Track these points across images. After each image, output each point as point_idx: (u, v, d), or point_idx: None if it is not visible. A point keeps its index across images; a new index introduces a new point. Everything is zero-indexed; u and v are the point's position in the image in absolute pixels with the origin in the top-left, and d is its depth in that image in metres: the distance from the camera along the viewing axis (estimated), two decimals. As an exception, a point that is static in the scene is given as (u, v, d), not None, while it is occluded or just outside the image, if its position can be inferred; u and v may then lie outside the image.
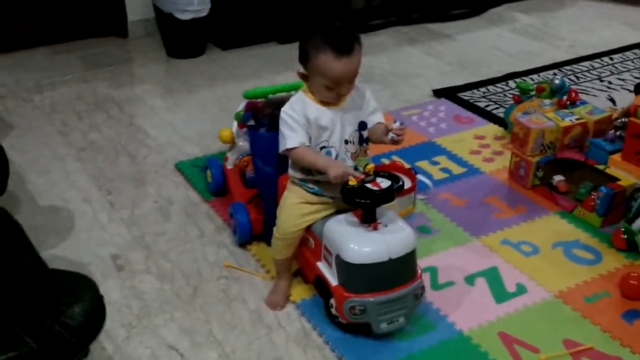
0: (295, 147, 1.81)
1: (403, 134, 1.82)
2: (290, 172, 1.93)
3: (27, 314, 1.19)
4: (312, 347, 1.89)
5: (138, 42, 4.14)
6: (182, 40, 3.88)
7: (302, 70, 1.83)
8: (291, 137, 1.81)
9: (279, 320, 1.98)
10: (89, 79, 3.65)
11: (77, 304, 1.21)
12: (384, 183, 1.78)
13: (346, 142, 1.87)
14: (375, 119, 1.92)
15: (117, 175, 2.74)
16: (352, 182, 1.75)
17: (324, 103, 1.83)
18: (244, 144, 2.40)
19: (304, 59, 1.80)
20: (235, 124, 2.41)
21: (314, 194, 1.90)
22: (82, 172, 2.77)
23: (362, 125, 1.90)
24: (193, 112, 3.28)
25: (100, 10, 4.13)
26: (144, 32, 4.19)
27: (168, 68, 3.83)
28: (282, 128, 1.84)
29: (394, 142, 1.83)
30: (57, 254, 2.29)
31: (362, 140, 1.91)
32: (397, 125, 1.81)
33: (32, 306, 1.21)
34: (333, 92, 1.79)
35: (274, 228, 1.98)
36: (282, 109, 1.85)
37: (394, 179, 1.81)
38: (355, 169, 1.86)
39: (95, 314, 1.26)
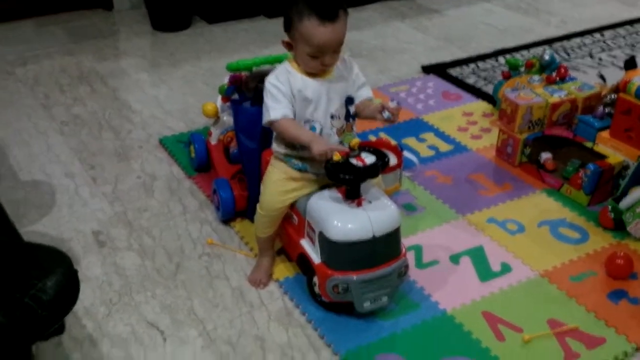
0: (279, 119, 1.77)
1: (398, 113, 1.79)
2: (274, 146, 1.90)
3: (-4, 287, 1.17)
4: (294, 325, 1.87)
5: (123, 15, 4.07)
6: (167, 13, 3.81)
7: (287, 39, 1.79)
8: (275, 108, 1.77)
9: (261, 299, 1.96)
10: (74, 51, 3.59)
11: (49, 278, 1.18)
12: (369, 159, 1.75)
13: (332, 116, 1.83)
14: (363, 93, 1.88)
15: (100, 150, 2.70)
16: (337, 157, 1.72)
17: (310, 74, 1.79)
18: (228, 118, 2.37)
19: (288, 26, 1.76)
20: (219, 97, 2.36)
21: (298, 170, 1.87)
22: (65, 146, 2.72)
23: (349, 100, 1.86)
24: (178, 86, 3.23)
25: (85, -18, 4.06)
26: (130, 5, 4.12)
27: (153, 41, 3.76)
28: (266, 99, 1.80)
29: (389, 120, 1.79)
30: (38, 229, 2.26)
31: (349, 116, 1.87)
32: (394, 104, 1.78)
33: (2, 279, 1.18)
34: (317, 60, 1.74)
35: (257, 205, 1.95)
36: (267, 78, 1.81)
37: (379, 154, 1.77)
38: (341, 144, 1.82)
39: (67, 287, 1.23)
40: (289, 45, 1.79)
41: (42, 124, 2.89)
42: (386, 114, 1.78)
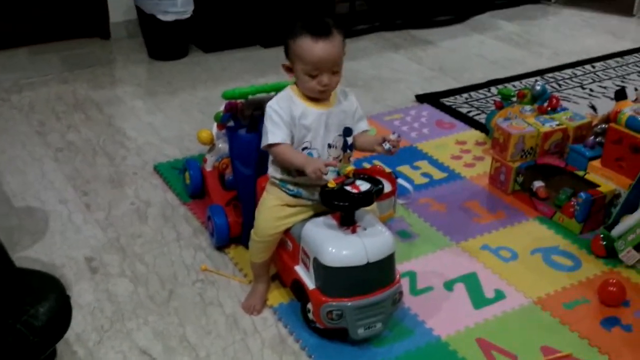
0: (277, 144, 1.79)
1: (398, 145, 1.82)
2: (270, 171, 1.91)
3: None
4: (288, 352, 1.85)
5: (120, 44, 4.10)
6: (164, 42, 3.85)
7: (287, 63, 1.83)
8: (274, 132, 1.79)
9: (255, 325, 1.95)
10: (69, 79, 3.61)
11: (42, 304, 1.18)
12: (364, 186, 1.76)
13: (329, 145, 1.85)
14: (361, 126, 1.92)
15: (94, 177, 2.70)
16: (331, 184, 1.73)
17: (311, 101, 1.81)
18: (223, 145, 2.38)
19: (287, 50, 1.81)
20: (214, 125, 2.38)
21: (293, 195, 1.88)
22: (59, 173, 2.72)
23: (347, 131, 1.88)
24: (174, 114, 3.25)
25: (83, 11, 4.09)
26: (126, 34, 4.15)
27: (149, 70, 3.79)
28: (267, 123, 1.82)
29: (389, 152, 1.82)
30: (31, 255, 2.25)
31: (347, 147, 1.89)
32: (394, 136, 1.81)
33: (-6, 304, 1.17)
34: (315, 80, 1.76)
35: (252, 230, 1.95)
36: (269, 103, 1.84)
37: (374, 182, 1.79)
38: (337, 174, 1.83)
39: (60, 314, 1.22)
40: (289, 69, 1.82)
41: (36, 150, 2.89)
42: (387, 146, 1.81)
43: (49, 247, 2.28)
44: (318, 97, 1.81)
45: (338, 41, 1.76)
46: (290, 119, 1.79)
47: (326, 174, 1.71)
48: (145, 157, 2.84)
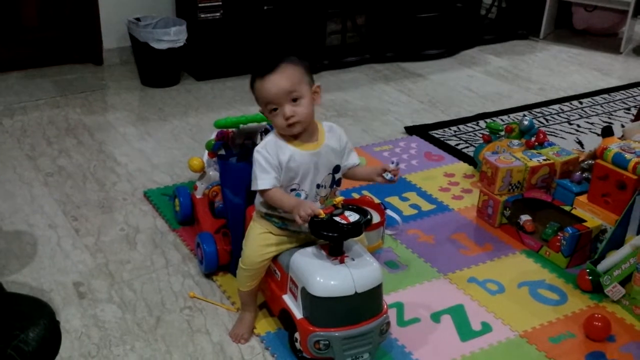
0: (266, 189, 1.82)
1: (398, 173, 1.88)
2: (256, 205, 1.93)
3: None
4: (274, 381, 1.86)
5: (113, 70, 4.13)
6: (157, 70, 3.88)
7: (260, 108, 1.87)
8: (263, 178, 1.81)
9: (242, 354, 1.95)
10: (62, 104, 3.63)
11: (32, 329, 1.18)
12: (352, 217, 1.78)
13: (318, 186, 1.87)
14: (352, 160, 1.94)
15: (84, 202, 2.70)
16: (321, 214, 1.75)
17: (297, 142, 1.83)
18: (214, 173, 2.39)
19: (254, 96, 1.87)
20: (206, 153, 2.40)
21: (279, 227, 1.90)
22: (49, 198, 2.73)
23: (336, 169, 1.90)
24: (165, 140, 3.27)
25: (76, 37, 4.12)
26: (119, 60, 4.18)
27: (142, 96, 3.82)
28: (255, 168, 1.84)
29: (391, 181, 1.86)
30: (19, 279, 2.24)
31: (334, 183, 1.91)
32: (394, 165, 1.86)
33: (-17, 330, 1.17)
34: (279, 115, 1.79)
35: (240, 259, 1.96)
36: (256, 148, 1.85)
37: (363, 212, 1.81)
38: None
39: (50, 339, 1.22)
40: (263, 112, 1.88)
41: (27, 174, 2.90)
42: (389, 176, 1.85)
43: (37, 272, 2.28)
44: (294, 134, 1.82)
45: (289, 71, 1.79)
46: (278, 164, 1.81)
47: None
48: (135, 183, 2.85)
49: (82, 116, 3.49)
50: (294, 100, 1.79)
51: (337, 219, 1.76)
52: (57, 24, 4.07)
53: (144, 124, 3.44)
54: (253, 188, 1.85)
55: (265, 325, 2.04)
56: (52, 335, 1.24)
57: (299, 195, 1.85)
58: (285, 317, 1.93)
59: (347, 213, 1.78)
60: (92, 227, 2.54)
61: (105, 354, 1.94)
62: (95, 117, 3.48)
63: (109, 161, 3.04)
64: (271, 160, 1.81)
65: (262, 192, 1.83)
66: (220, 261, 2.22)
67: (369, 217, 1.80)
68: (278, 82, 1.78)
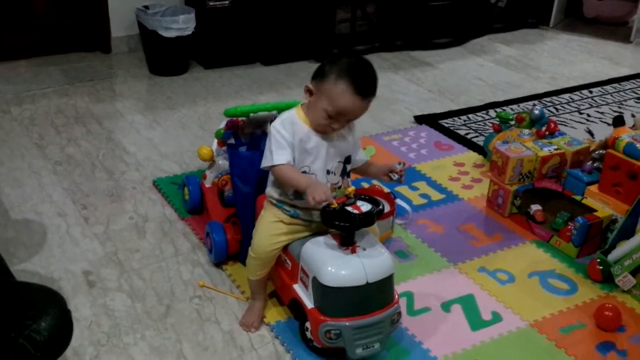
0: (280, 164, 1.80)
1: (404, 175, 1.89)
2: (268, 190, 1.92)
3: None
4: (284, 370, 1.86)
5: (121, 58, 4.12)
6: (165, 58, 3.87)
7: (311, 86, 1.80)
8: (278, 154, 1.80)
9: (252, 343, 1.95)
10: (70, 92, 3.62)
11: (43, 318, 1.17)
12: (365, 206, 1.77)
13: (328, 172, 1.86)
14: (360, 157, 1.95)
15: (93, 191, 2.70)
16: (333, 204, 1.74)
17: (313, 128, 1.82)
18: (223, 162, 2.39)
19: (320, 76, 1.78)
20: (215, 141, 2.39)
21: (290, 216, 1.89)
22: (57, 186, 2.73)
23: (347, 159, 1.90)
24: (173, 129, 3.26)
25: (85, 25, 4.12)
26: (127, 48, 4.17)
27: (150, 85, 3.81)
28: (270, 143, 1.82)
29: (398, 182, 1.90)
30: (28, 268, 2.24)
31: (344, 173, 1.91)
32: (400, 166, 1.87)
33: (-5, 318, 1.17)
34: (329, 121, 1.78)
35: (250, 248, 1.96)
36: (272, 124, 1.84)
37: (375, 202, 1.80)
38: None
39: (61, 329, 1.22)
40: (309, 92, 1.81)
41: (35, 163, 2.90)
42: (395, 177, 1.88)
43: (47, 260, 2.28)
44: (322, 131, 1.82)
45: (370, 101, 1.79)
46: (294, 141, 1.80)
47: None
48: (144, 172, 2.85)
49: (91, 105, 3.49)
50: (349, 120, 1.81)
51: (349, 208, 1.75)
52: (66, 12, 4.06)
53: (152, 113, 3.43)
54: (266, 164, 1.82)
55: (275, 314, 2.04)
56: (64, 324, 1.24)
57: None
58: (295, 306, 1.92)
59: (359, 203, 1.77)
60: (101, 216, 2.54)
61: (115, 343, 1.94)
62: (104, 106, 3.48)
63: (117, 150, 3.04)
64: (287, 137, 1.79)
65: (276, 168, 1.80)
66: (229, 250, 2.22)
67: (381, 207, 1.80)
68: (361, 109, 1.79)
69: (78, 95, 3.59)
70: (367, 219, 1.75)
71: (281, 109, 2.06)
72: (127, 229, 2.47)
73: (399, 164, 1.88)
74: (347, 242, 1.80)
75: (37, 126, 3.23)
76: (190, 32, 3.80)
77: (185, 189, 2.51)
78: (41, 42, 4.04)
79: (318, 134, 1.82)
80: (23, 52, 3.99)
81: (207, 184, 2.43)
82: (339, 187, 1.89)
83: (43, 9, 3.99)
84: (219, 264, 2.26)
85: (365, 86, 1.76)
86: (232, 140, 2.24)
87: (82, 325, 1.99)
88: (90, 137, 3.14)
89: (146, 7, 3.84)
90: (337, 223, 1.73)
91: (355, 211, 1.74)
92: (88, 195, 2.67)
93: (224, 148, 2.32)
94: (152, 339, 1.96)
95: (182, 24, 3.74)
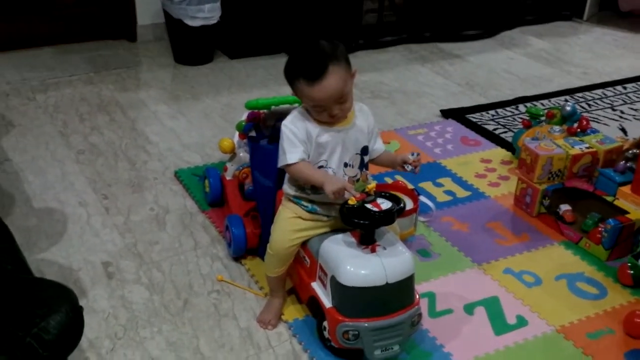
0: (295, 163, 1.76)
1: (419, 162, 1.83)
2: (285, 187, 1.88)
3: (-2, 324, 1.13)
4: (301, 370, 1.82)
5: (146, 47, 4.11)
6: (190, 47, 3.84)
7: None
8: (291, 152, 1.76)
9: (269, 340, 1.92)
10: (95, 80, 3.61)
11: (52, 316, 1.14)
12: (385, 204, 1.72)
13: (345, 165, 1.81)
14: (378, 147, 1.90)
15: (115, 180, 2.69)
16: (352, 201, 1.69)
17: (324, 122, 1.78)
18: (244, 155, 2.35)
19: (291, 86, 1.77)
20: (236, 134, 2.36)
21: (309, 211, 1.85)
22: (80, 175, 2.72)
23: (364, 150, 1.85)
24: (196, 119, 3.23)
25: (111, 13, 4.11)
26: (153, 37, 4.16)
27: (174, 74, 3.79)
28: (282, 142, 1.79)
29: (413, 172, 1.84)
30: (48, 257, 2.23)
31: (363, 165, 1.86)
32: (414, 157, 1.81)
33: (5, 315, 1.14)
34: (324, 112, 1.74)
35: (268, 244, 1.92)
36: (283, 122, 1.80)
37: (395, 200, 1.75)
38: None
39: (71, 327, 1.19)
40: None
41: (59, 151, 2.89)
42: (409, 168, 1.82)
43: (66, 250, 2.27)
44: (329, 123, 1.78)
45: (336, 74, 1.69)
46: (306, 137, 1.76)
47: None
48: (166, 163, 2.83)
49: (115, 93, 3.47)
50: (341, 101, 1.73)
51: (369, 206, 1.70)
52: (92, 0, 4.05)
53: (176, 102, 3.41)
54: (281, 164, 1.79)
55: (293, 312, 2.00)
56: (74, 322, 1.21)
57: None
58: (313, 304, 1.89)
59: (379, 200, 1.72)
60: (122, 206, 2.52)
61: (132, 336, 1.92)
62: (128, 95, 3.46)
63: (140, 139, 3.02)
64: (299, 134, 1.76)
65: (290, 167, 1.77)
66: (248, 244, 2.19)
67: (401, 205, 1.74)
68: (327, 90, 1.69)
69: (103, 83, 3.58)
70: (387, 217, 1.69)
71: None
72: (147, 220, 2.45)
73: (412, 154, 1.82)
74: (366, 241, 1.75)
75: (61, 114, 3.23)
76: (215, 22, 3.77)
77: (206, 181, 2.48)
78: (67, 29, 4.04)
79: (330, 127, 1.77)
80: (49, 39, 3.99)
81: (228, 176, 2.40)
82: (357, 180, 1.84)
83: (70, -4, 4.00)
84: (237, 258, 2.23)
85: (311, 71, 1.68)
86: (253, 133, 2.20)
87: (100, 317, 1.98)
88: (113, 126, 3.13)
89: (172, -5, 3.82)
90: (356, 221, 1.68)
91: (375, 209, 1.69)
92: (110, 185, 2.66)
93: (245, 140, 2.28)
94: (168, 333, 1.94)
95: (207, 13, 3.70)
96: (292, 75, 1.74)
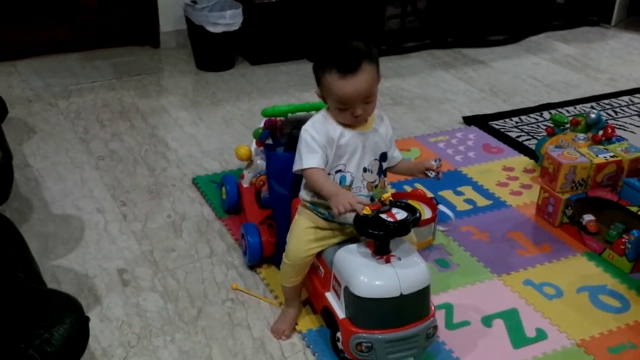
0: (310, 168, 1.74)
1: (441, 168, 1.81)
2: (302, 194, 1.86)
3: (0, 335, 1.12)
4: (314, 381, 1.79)
5: (169, 53, 4.12)
6: (212, 53, 3.85)
7: (318, 91, 1.78)
8: (309, 157, 1.75)
9: (282, 351, 1.89)
10: (117, 87, 3.63)
11: (56, 328, 1.13)
12: (400, 214, 1.69)
13: (364, 169, 1.79)
14: (396, 155, 1.89)
15: (133, 187, 2.69)
16: (367, 211, 1.66)
17: (345, 125, 1.76)
18: (261, 162, 2.34)
19: (317, 81, 1.76)
20: (254, 141, 2.34)
21: (325, 219, 1.82)
22: (99, 181, 2.72)
23: (383, 156, 1.83)
24: (216, 126, 3.23)
25: (134, 20, 4.13)
26: (176, 43, 4.17)
27: (196, 80, 3.79)
28: (300, 146, 1.77)
29: (436, 179, 1.81)
30: (64, 264, 2.24)
31: (381, 171, 1.83)
32: (436, 163, 1.79)
33: (8, 326, 1.13)
34: (347, 112, 1.72)
35: (284, 253, 1.90)
36: (304, 126, 1.79)
37: (411, 210, 1.71)
38: (372, 199, 1.77)
39: (75, 339, 1.18)
40: (323, 98, 1.78)
41: (78, 157, 2.90)
42: (432, 174, 1.80)
43: (83, 257, 2.27)
44: (350, 124, 1.76)
45: (368, 73, 1.69)
46: (327, 141, 1.74)
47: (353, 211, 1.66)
48: (184, 169, 2.83)
49: (137, 99, 3.49)
50: (367, 102, 1.71)
51: (384, 216, 1.67)
52: (115, 7, 4.09)
53: (196, 109, 3.41)
54: (297, 168, 1.78)
55: (308, 322, 1.97)
56: (79, 334, 1.19)
57: (344, 177, 1.77)
58: (327, 315, 1.86)
59: (394, 210, 1.69)
60: (140, 213, 2.52)
61: (145, 345, 1.91)
62: (149, 101, 3.48)
63: (160, 146, 3.02)
64: (319, 139, 1.74)
65: (307, 172, 1.75)
66: (264, 253, 2.17)
67: (417, 215, 1.71)
68: (358, 86, 1.67)
69: (125, 89, 3.60)
70: (402, 228, 1.66)
71: (319, 109, 1.99)
72: (164, 227, 2.44)
73: (435, 160, 1.79)
74: (381, 251, 1.72)
75: (82, 120, 3.24)
76: (237, 28, 3.77)
77: (223, 188, 2.47)
78: (91, 36, 4.07)
79: (352, 129, 1.75)
80: (73, 46, 4.03)
81: (245, 184, 2.38)
82: (376, 186, 1.81)
83: (93, 3, 4.03)
84: (253, 266, 2.21)
85: (347, 63, 1.66)
86: (269, 141, 2.19)
87: (113, 326, 1.97)
88: (134, 132, 3.14)
89: (194, 1, 3.82)
90: (370, 231, 1.65)
91: (390, 219, 1.66)
92: (128, 191, 2.66)
93: (262, 148, 2.26)
94: (181, 342, 1.92)
95: (229, 20, 3.70)
96: (324, 66, 1.70)
